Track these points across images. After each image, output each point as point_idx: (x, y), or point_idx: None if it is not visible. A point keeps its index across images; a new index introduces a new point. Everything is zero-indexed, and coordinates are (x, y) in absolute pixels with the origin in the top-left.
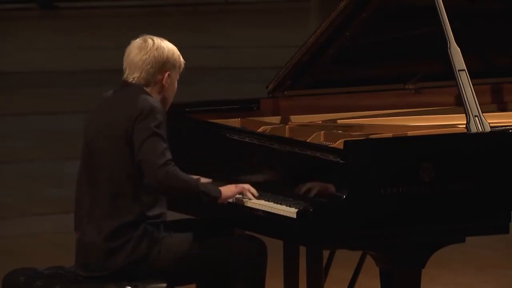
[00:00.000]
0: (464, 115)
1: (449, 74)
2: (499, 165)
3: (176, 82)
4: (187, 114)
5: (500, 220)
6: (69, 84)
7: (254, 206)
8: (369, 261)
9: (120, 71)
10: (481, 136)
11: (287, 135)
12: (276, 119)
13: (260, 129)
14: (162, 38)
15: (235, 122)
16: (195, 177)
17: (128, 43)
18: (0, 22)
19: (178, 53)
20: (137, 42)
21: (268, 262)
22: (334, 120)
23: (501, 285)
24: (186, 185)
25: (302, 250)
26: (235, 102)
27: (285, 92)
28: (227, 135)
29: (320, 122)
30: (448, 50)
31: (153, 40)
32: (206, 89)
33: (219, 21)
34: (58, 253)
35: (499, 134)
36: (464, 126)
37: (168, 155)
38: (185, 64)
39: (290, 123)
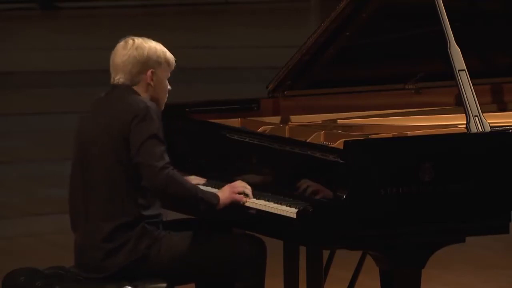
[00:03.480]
0: (464, 115)
1: (449, 74)
2: (499, 165)
3: (165, 80)
4: (187, 114)
5: (500, 220)
6: (69, 84)
7: (254, 206)
8: (369, 261)
9: None
10: (481, 136)
11: (287, 135)
12: (276, 119)
13: (260, 129)
14: (146, 38)
15: (235, 122)
16: (192, 178)
17: None
18: (0, 22)
19: (164, 50)
20: (119, 45)
21: (268, 262)
22: (334, 120)
23: (501, 285)
24: (185, 190)
25: (302, 250)
26: (235, 102)
27: (285, 92)
28: (227, 135)
29: (320, 122)
30: (448, 50)
31: (133, 40)
32: (206, 89)
33: (219, 21)
34: (58, 253)
35: (499, 134)
36: (464, 126)
37: (167, 158)
38: (185, 64)
39: (290, 123)
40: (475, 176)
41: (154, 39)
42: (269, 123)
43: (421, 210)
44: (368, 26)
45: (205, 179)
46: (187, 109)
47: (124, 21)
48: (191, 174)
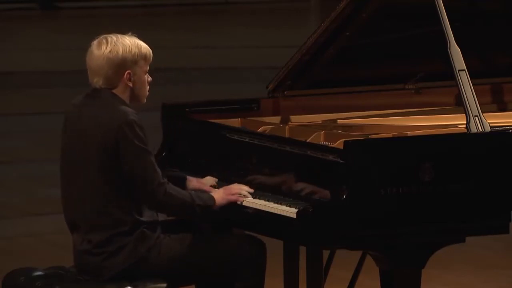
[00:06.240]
0: (464, 115)
1: (449, 74)
2: (499, 165)
3: (144, 75)
4: (187, 114)
5: (500, 220)
6: (69, 84)
7: (254, 206)
8: (369, 261)
9: None
10: (481, 136)
11: (287, 135)
12: (276, 119)
13: (260, 129)
14: (120, 36)
15: (235, 122)
16: (207, 179)
17: None
18: (0, 22)
19: (140, 45)
20: (93, 46)
21: (268, 262)
22: (334, 120)
23: (501, 285)
24: (184, 202)
25: (302, 250)
26: (235, 102)
27: (285, 92)
28: (227, 135)
29: (320, 122)
30: (448, 50)
31: (107, 41)
32: (206, 89)
33: (219, 21)
34: (58, 253)
35: (499, 134)
36: (464, 126)
37: (159, 171)
38: (185, 64)
39: (290, 123)
40: (475, 176)
41: (154, 39)
42: (269, 123)
43: (421, 210)
44: (368, 26)
45: (217, 179)
46: (187, 109)
47: (124, 21)
48: (191, 174)
